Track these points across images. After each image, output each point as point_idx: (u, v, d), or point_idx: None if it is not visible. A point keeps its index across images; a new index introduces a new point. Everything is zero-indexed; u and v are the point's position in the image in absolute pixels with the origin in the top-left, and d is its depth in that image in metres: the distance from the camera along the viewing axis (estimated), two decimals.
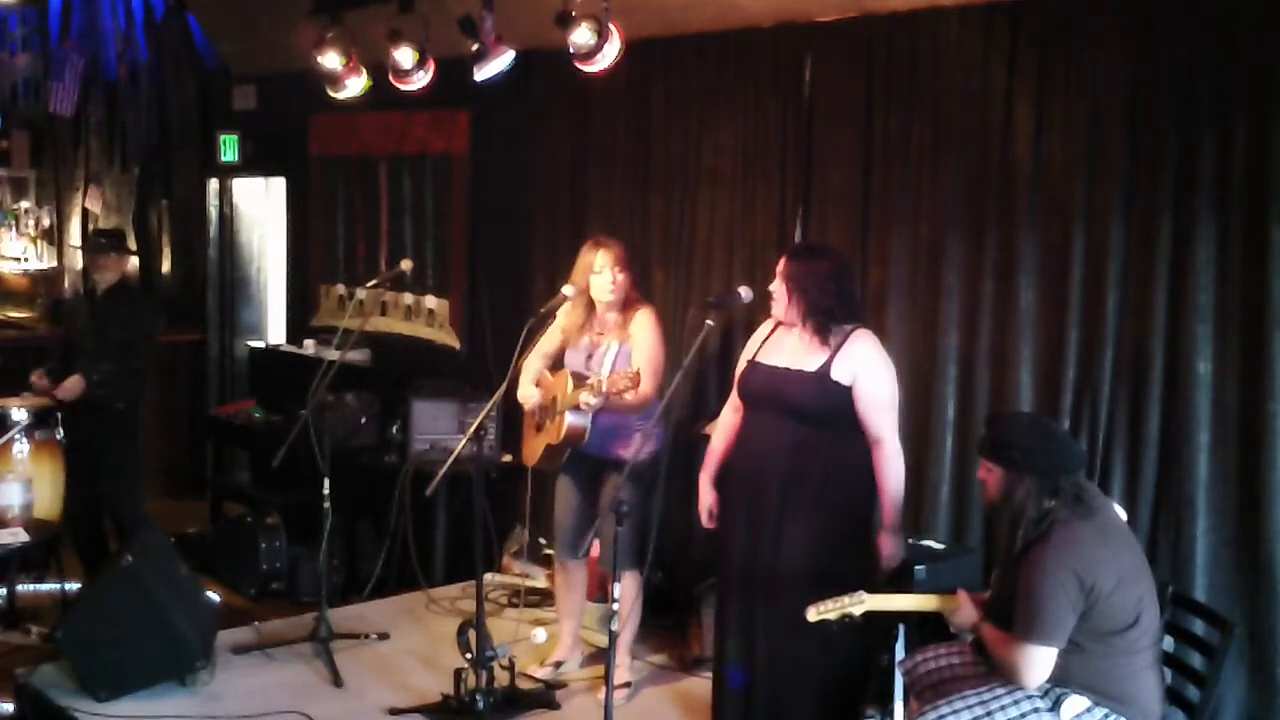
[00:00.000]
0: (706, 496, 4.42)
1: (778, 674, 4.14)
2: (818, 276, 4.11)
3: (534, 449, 4.96)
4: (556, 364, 4.93)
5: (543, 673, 4.96)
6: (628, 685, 4.86)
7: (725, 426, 4.41)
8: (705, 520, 4.44)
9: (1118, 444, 4.42)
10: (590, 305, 4.82)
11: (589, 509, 4.87)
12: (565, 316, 4.89)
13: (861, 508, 4.15)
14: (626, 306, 4.80)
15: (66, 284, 10.05)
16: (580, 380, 4.62)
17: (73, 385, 5.84)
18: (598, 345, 4.81)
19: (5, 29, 10.53)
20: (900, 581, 4.12)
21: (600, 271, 4.74)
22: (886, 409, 4.08)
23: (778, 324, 4.25)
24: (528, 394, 4.90)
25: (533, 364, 4.91)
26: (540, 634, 5.20)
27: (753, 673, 4.18)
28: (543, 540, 5.99)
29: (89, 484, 5.99)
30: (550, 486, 5.18)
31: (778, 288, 4.16)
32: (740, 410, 4.32)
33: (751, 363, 4.29)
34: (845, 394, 4.06)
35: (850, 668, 4.15)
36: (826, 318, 4.09)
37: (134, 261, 8.25)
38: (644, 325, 4.76)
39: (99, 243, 6.23)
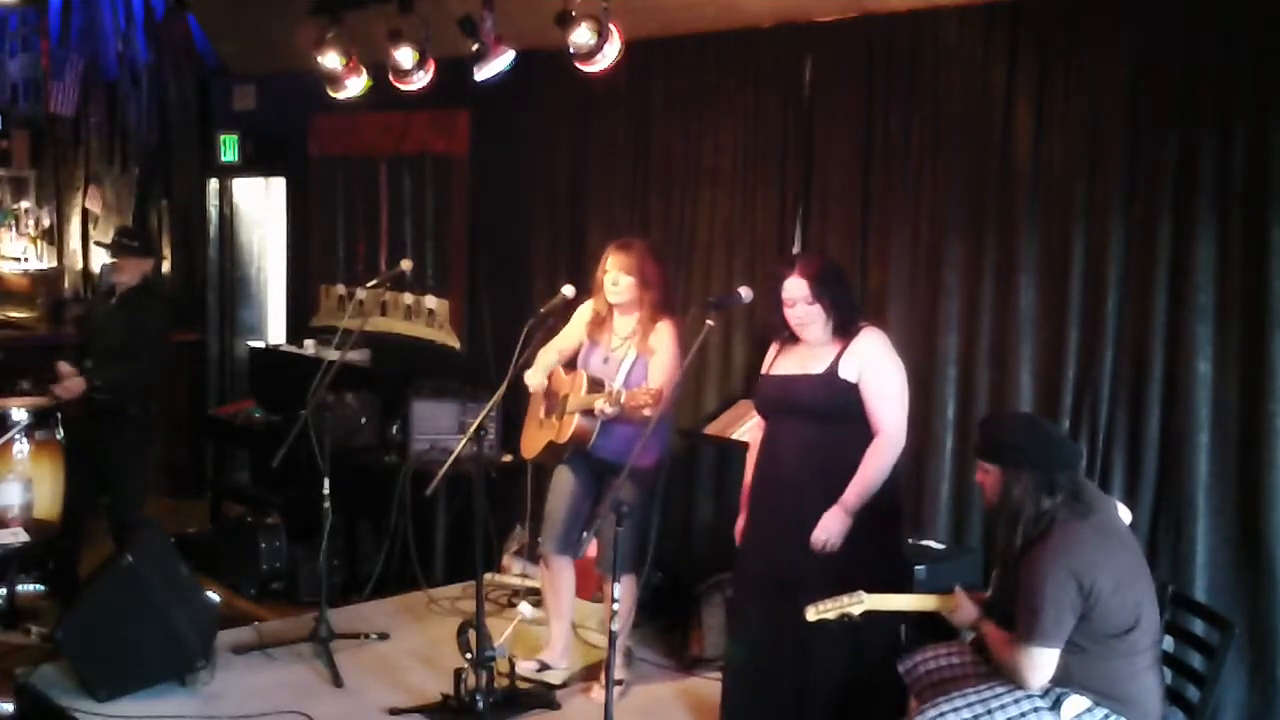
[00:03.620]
0: (742, 517, 4.40)
1: (802, 675, 4.11)
2: (835, 280, 4.14)
3: (535, 442, 4.92)
4: (569, 362, 4.88)
5: (527, 667, 4.89)
6: (620, 683, 4.84)
7: (755, 445, 4.40)
8: (738, 539, 4.41)
9: (1118, 444, 4.43)
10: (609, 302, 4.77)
11: (588, 507, 4.85)
12: (588, 310, 4.83)
13: (884, 507, 4.13)
14: (650, 316, 4.70)
15: (66, 284, 10.04)
16: (596, 385, 4.59)
17: (74, 385, 5.79)
18: (615, 350, 4.76)
19: (5, 29, 10.54)
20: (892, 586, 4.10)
21: (607, 271, 4.71)
22: (888, 398, 4.07)
23: (782, 344, 4.26)
24: (536, 381, 4.83)
25: (547, 357, 4.85)
26: (526, 608, 5.16)
27: (771, 673, 4.17)
28: (542, 540, 5.98)
29: (92, 486, 5.96)
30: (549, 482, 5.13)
31: (805, 311, 4.11)
32: (763, 426, 4.34)
33: (764, 377, 4.31)
34: (853, 391, 4.07)
35: (879, 669, 4.12)
36: (853, 317, 4.14)
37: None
38: (665, 339, 4.66)
39: (122, 244, 6.06)
